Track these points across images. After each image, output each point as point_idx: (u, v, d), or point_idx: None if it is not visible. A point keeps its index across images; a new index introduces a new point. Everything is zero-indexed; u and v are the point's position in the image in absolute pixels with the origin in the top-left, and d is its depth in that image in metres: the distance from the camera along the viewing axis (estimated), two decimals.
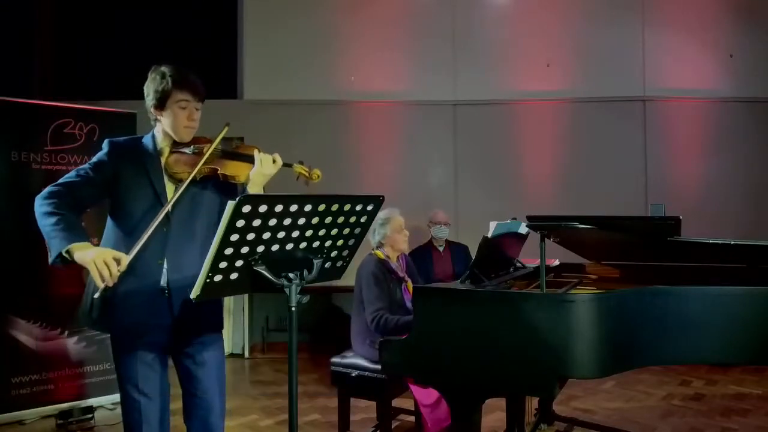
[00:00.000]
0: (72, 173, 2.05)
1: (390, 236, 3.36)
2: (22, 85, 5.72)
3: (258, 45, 5.86)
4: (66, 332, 3.86)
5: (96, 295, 1.84)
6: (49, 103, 4.01)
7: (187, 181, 2.01)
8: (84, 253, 1.80)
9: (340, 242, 1.85)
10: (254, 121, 5.57)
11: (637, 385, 4.60)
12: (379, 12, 5.84)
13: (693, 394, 4.41)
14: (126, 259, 1.83)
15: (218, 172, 2.07)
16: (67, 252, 1.82)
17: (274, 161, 2.08)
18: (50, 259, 1.85)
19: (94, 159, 2.10)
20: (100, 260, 1.77)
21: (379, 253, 3.35)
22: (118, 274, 1.80)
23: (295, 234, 1.70)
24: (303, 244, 1.75)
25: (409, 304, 3.27)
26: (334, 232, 1.80)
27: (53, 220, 1.88)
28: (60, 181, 2.01)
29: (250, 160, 2.10)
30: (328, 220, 1.74)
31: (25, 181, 3.77)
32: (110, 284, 1.79)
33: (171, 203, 1.99)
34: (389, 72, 5.85)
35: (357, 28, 5.84)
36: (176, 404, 2.20)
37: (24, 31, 6.05)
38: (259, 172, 2.06)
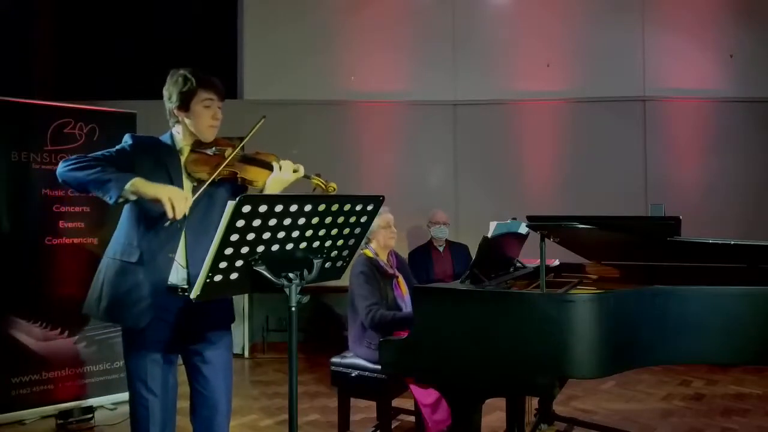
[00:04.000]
0: (96, 153, 2.06)
1: (376, 231, 3.33)
2: (22, 85, 5.71)
3: (258, 45, 5.86)
4: (66, 332, 3.86)
5: (167, 224, 1.94)
6: (49, 103, 4.01)
7: (208, 182, 2.04)
8: (153, 187, 1.90)
9: (340, 242, 1.85)
10: (254, 121, 5.56)
11: (637, 385, 4.60)
12: (379, 12, 5.84)
13: (693, 394, 4.41)
14: (192, 198, 1.95)
15: (238, 175, 2.11)
16: (131, 189, 1.89)
17: (295, 170, 2.14)
18: (112, 199, 1.90)
19: (117, 147, 2.12)
20: (175, 196, 1.87)
21: (368, 251, 3.34)
22: (186, 210, 1.91)
23: (295, 234, 1.70)
24: (303, 244, 1.75)
25: (400, 301, 3.27)
26: (334, 232, 1.80)
27: (96, 168, 1.93)
28: (84, 155, 2.03)
29: (269, 167, 2.16)
30: (328, 220, 1.74)
31: (25, 181, 3.77)
32: (178, 218, 1.89)
33: (193, 198, 2.02)
34: (389, 72, 5.85)
35: (357, 28, 5.84)
36: (182, 403, 2.20)
37: (24, 31, 6.04)
38: (278, 179, 2.12)
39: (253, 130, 2.15)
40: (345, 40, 5.83)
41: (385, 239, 3.37)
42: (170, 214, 1.87)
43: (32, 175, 3.78)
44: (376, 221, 3.34)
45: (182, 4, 6.17)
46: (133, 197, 1.91)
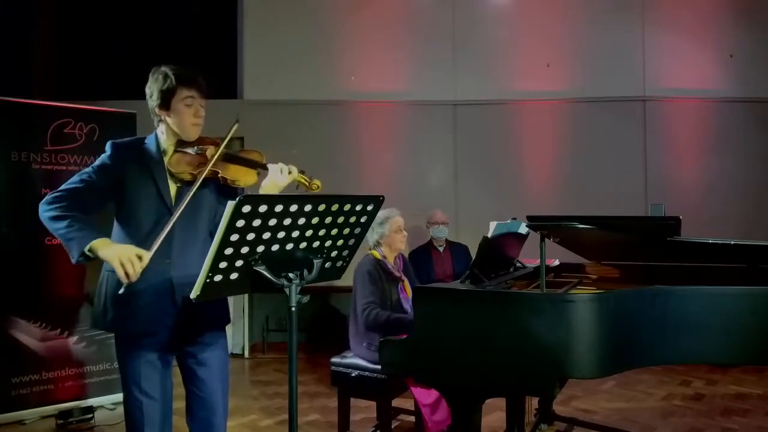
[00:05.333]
0: (75, 178, 2.05)
1: (388, 235, 3.36)
2: (22, 85, 5.71)
3: (258, 45, 5.86)
4: (66, 332, 3.86)
5: (121, 291, 1.87)
6: (49, 103, 4.01)
7: (195, 186, 2.02)
8: (107, 250, 1.87)
9: (340, 242, 1.85)
10: (254, 121, 5.57)
11: (637, 385, 4.60)
12: (379, 12, 5.84)
13: (693, 394, 4.41)
14: (147, 255, 1.88)
15: (219, 175, 2.08)
16: (90, 249, 1.87)
17: (289, 172, 2.13)
18: (73, 259, 1.90)
19: (98, 162, 2.10)
20: (125, 257, 1.83)
21: (376, 253, 3.35)
22: (141, 270, 1.84)
23: (295, 234, 1.70)
24: (303, 244, 1.75)
25: (405, 304, 3.27)
26: (334, 232, 1.80)
27: (65, 222, 1.92)
28: (63, 186, 2.02)
29: (251, 165, 2.14)
30: (328, 220, 1.74)
31: (25, 181, 3.77)
32: (133, 280, 1.84)
33: (182, 207, 1.99)
34: (389, 72, 5.85)
35: (357, 28, 5.84)
36: (179, 404, 2.20)
37: (24, 31, 6.05)
38: (273, 183, 2.10)
39: (229, 135, 2.12)
40: (345, 40, 5.83)
41: (397, 242, 3.38)
42: (123, 279, 1.82)
43: (32, 175, 3.78)
44: (389, 226, 3.35)
45: (182, 4, 6.17)
46: (92, 256, 1.89)
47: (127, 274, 1.82)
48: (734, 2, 5.74)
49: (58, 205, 1.95)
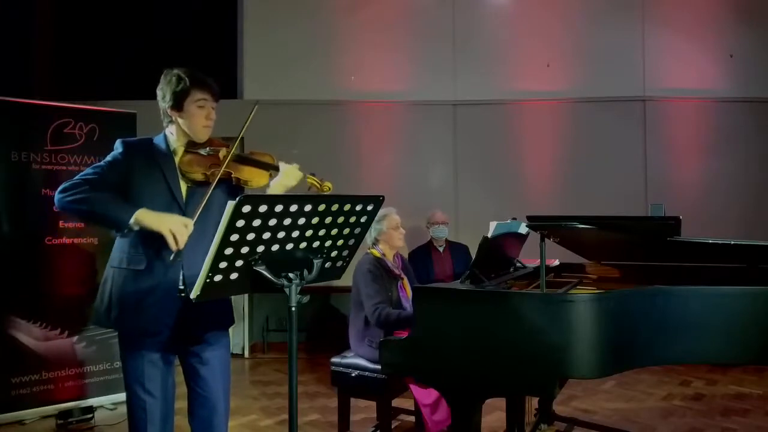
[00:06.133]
0: (89, 170, 2.06)
1: (386, 232, 3.37)
2: (22, 85, 5.71)
3: (258, 45, 5.86)
4: (66, 332, 3.86)
5: (171, 258, 1.93)
6: (49, 103, 4.01)
7: (212, 186, 2.05)
8: (154, 219, 1.92)
9: (340, 242, 1.85)
10: (254, 121, 5.55)
11: (637, 385, 4.60)
12: (379, 12, 5.84)
13: (693, 394, 4.41)
14: (191, 223, 1.94)
15: (232, 175, 2.13)
16: (134, 220, 1.92)
17: (297, 175, 2.20)
18: (122, 229, 1.94)
19: (109, 158, 2.12)
20: (175, 226, 1.91)
21: (375, 251, 3.35)
22: (187, 238, 1.92)
23: (295, 234, 1.70)
24: (303, 244, 1.75)
25: (405, 302, 3.28)
26: (334, 232, 1.80)
27: (97, 201, 1.95)
28: (77, 177, 2.02)
29: (263, 167, 2.18)
30: (328, 220, 1.74)
31: (25, 181, 3.77)
32: (181, 248, 1.91)
33: (202, 206, 2.02)
34: (389, 72, 5.85)
35: (357, 28, 5.84)
36: (180, 403, 2.20)
37: (24, 31, 6.05)
38: (282, 183, 2.17)
39: (249, 118, 2.16)
40: (345, 41, 5.83)
41: (395, 240, 3.39)
42: (173, 247, 1.90)
43: (32, 175, 3.79)
44: (386, 223, 3.36)
45: (182, 4, 6.17)
46: (136, 227, 1.93)
47: (177, 243, 1.89)
48: (734, 2, 5.74)
49: (78, 189, 1.96)
